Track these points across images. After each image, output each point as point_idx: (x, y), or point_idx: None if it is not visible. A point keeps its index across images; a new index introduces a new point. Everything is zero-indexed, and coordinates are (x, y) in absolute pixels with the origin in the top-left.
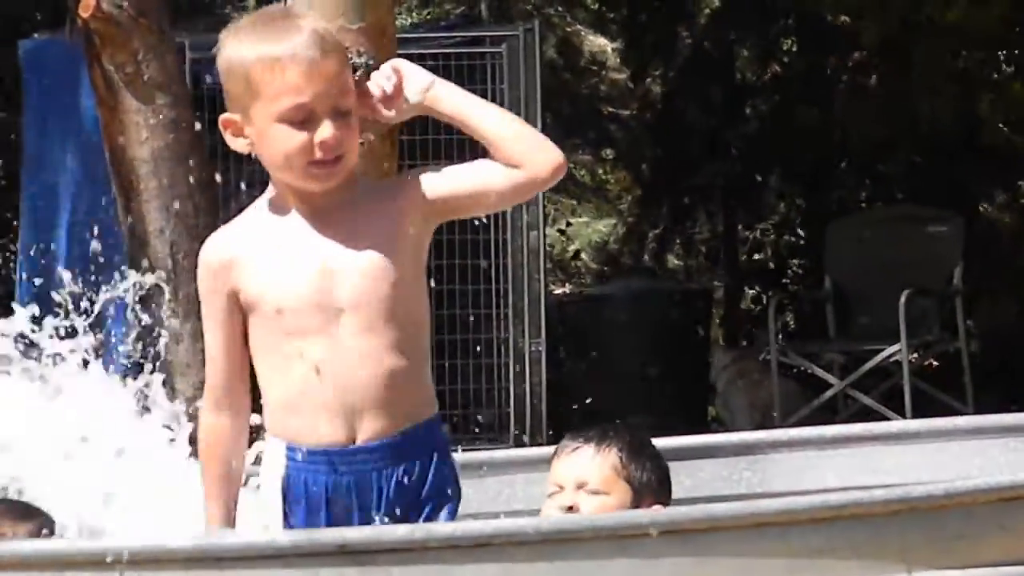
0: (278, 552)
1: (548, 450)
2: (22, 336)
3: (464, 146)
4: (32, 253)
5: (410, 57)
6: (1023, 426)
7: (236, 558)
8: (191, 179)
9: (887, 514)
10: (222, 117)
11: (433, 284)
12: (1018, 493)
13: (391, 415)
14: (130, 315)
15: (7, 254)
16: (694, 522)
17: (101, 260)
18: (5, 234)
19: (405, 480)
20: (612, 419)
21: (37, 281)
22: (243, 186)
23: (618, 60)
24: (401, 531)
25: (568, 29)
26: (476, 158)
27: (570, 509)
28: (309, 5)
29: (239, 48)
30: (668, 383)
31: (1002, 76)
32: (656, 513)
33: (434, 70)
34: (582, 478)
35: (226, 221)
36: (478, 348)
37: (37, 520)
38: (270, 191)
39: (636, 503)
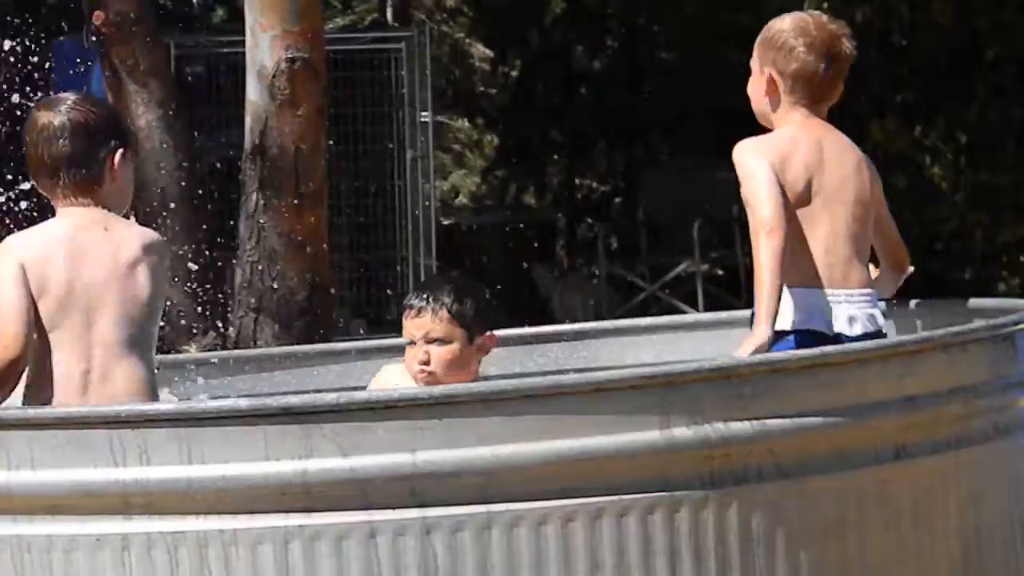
0: (240, 413)
1: None
2: None
3: (366, 118)
4: None
5: (334, 51)
6: None
7: (212, 417)
8: (175, 142)
9: (657, 385)
10: None
11: (359, 219)
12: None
13: None
14: None
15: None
16: (546, 389)
17: None
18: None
19: None
20: None
21: None
22: (213, 146)
23: (487, 53)
24: (329, 397)
25: (456, 36)
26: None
27: (426, 358)
28: (259, 10)
29: None
30: (524, 289)
31: None
32: (519, 383)
33: (353, 60)
34: (429, 333)
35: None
36: (388, 264)
37: None
38: None
39: (471, 337)
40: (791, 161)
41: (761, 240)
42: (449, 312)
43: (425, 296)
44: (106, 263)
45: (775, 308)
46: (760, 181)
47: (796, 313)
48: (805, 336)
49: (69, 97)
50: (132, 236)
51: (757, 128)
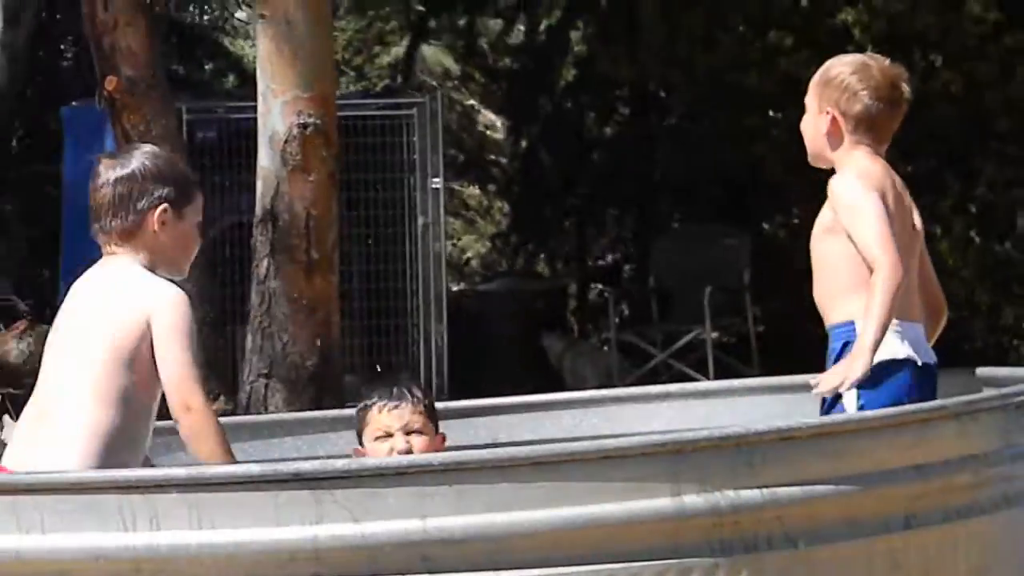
0: (251, 479)
1: (448, 405)
2: None
3: (378, 184)
4: (69, 274)
5: (345, 118)
6: (794, 385)
7: (220, 483)
8: None
9: (667, 453)
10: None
11: (370, 285)
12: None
13: None
14: None
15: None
16: (556, 456)
17: None
18: (49, 265)
19: None
20: (493, 385)
21: None
22: (225, 212)
23: (498, 122)
24: (340, 463)
25: (465, 103)
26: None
27: (408, 448)
28: (271, 76)
29: None
30: (535, 355)
31: (779, 130)
32: (529, 450)
33: (365, 126)
34: (408, 425)
35: (211, 238)
36: (399, 330)
37: None
38: None
39: (437, 431)
40: (889, 195)
41: (886, 275)
42: (424, 406)
43: (401, 390)
44: (93, 303)
45: (879, 341)
46: (873, 216)
47: (907, 345)
48: (915, 368)
49: (136, 147)
50: (136, 285)
51: (767, 194)
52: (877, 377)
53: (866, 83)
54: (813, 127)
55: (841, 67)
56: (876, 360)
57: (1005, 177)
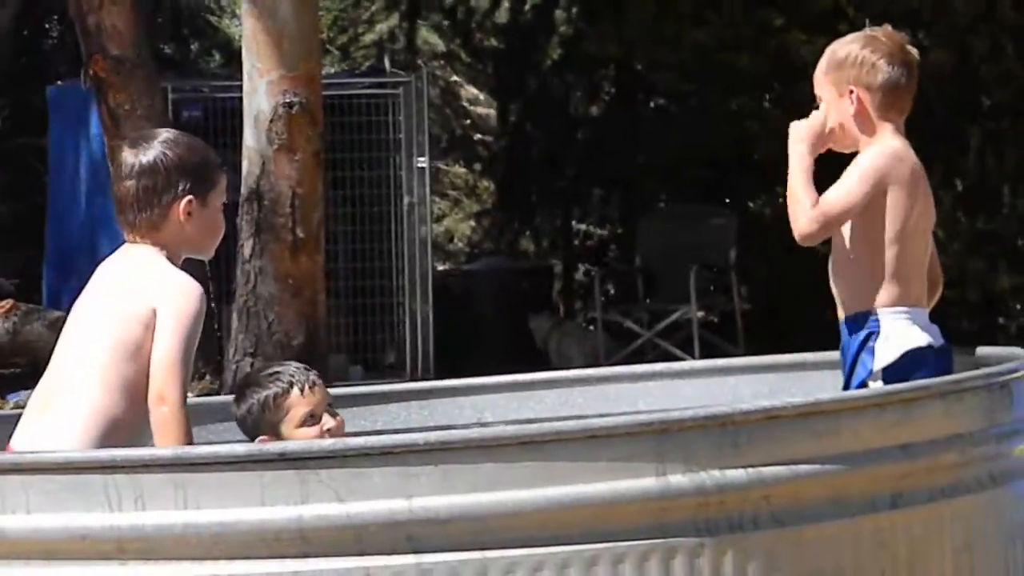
0: (236, 458)
1: (434, 384)
2: None
3: (363, 163)
4: (55, 253)
5: (331, 97)
6: (780, 364)
7: (206, 463)
8: None
9: (653, 432)
10: None
11: (356, 264)
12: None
13: None
14: None
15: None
16: (542, 435)
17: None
18: (35, 242)
19: None
20: (479, 364)
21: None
22: None
23: (481, 95)
24: (326, 443)
25: (450, 79)
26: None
27: (340, 424)
28: (257, 55)
29: None
30: (520, 335)
31: (766, 110)
32: (514, 429)
33: (351, 105)
34: (329, 401)
35: None
36: (385, 310)
37: None
38: None
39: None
40: (910, 179)
41: (800, 226)
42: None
43: (305, 371)
44: (106, 291)
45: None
46: (849, 191)
47: (922, 330)
48: (934, 351)
49: (156, 134)
50: (151, 275)
51: (750, 175)
52: (904, 368)
53: (880, 52)
54: (838, 113)
55: (849, 45)
56: (899, 351)
57: (994, 152)
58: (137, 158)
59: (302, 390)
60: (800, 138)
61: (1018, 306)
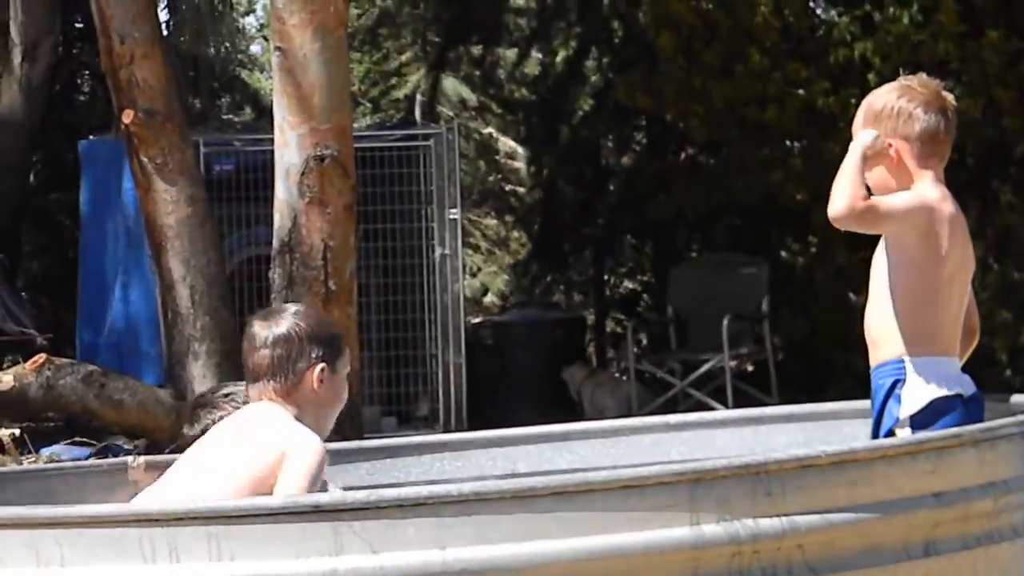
0: (270, 511)
1: (467, 436)
2: None
3: (395, 215)
4: (87, 307)
5: (362, 149)
6: (813, 414)
7: (240, 516)
8: (204, 240)
9: (686, 482)
10: None
11: (388, 316)
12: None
13: None
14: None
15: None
16: (575, 486)
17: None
18: (67, 297)
19: None
20: (512, 415)
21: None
22: (242, 244)
23: (519, 149)
24: (360, 495)
25: (483, 132)
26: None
27: None
28: (287, 108)
29: None
30: (554, 386)
31: (795, 159)
32: (548, 480)
33: (382, 157)
34: None
35: (229, 270)
36: (417, 361)
37: None
38: None
39: None
40: (948, 223)
41: (836, 210)
42: None
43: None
44: (234, 435)
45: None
46: (901, 201)
47: (951, 381)
48: (963, 401)
49: (284, 308)
50: (280, 426)
51: (784, 222)
52: (929, 417)
53: (916, 101)
54: (878, 167)
55: (885, 96)
56: (927, 399)
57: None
58: (270, 330)
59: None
60: (863, 143)
61: None
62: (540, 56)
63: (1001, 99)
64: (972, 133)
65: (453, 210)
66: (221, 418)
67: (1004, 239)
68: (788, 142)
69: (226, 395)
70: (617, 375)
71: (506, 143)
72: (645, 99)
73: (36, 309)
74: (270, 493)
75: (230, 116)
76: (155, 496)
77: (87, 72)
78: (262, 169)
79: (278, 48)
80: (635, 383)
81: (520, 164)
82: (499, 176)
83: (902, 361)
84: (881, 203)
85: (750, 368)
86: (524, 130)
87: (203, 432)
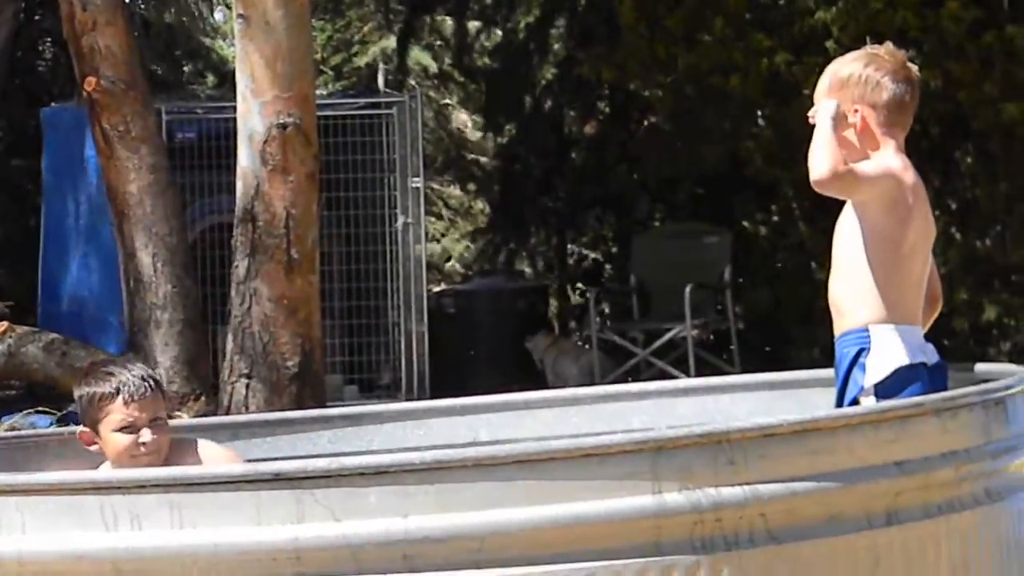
0: (232, 479)
1: (429, 404)
2: None
3: (358, 183)
4: (49, 275)
5: (324, 117)
6: (776, 382)
7: (201, 483)
8: (166, 208)
9: (648, 450)
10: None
11: (351, 284)
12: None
13: None
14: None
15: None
16: (537, 454)
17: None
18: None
19: None
20: (474, 384)
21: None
22: (205, 212)
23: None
24: (321, 463)
25: (443, 102)
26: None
27: (155, 441)
28: (250, 76)
29: None
30: (517, 355)
31: (760, 128)
32: (510, 448)
33: (344, 125)
34: (155, 416)
35: (191, 239)
36: (380, 330)
37: None
38: None
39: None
40: (912, 191)
41: (816, 176)
42: (162, 393)
43: (144, 380)
44: None
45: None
46: (872, 168)
47: (914, 349)
48: (927, 369)
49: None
50: None
51: (745, 192)
52: (894, 386)
53: (884, 70)
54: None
55: (851, 64)
56: (890, 368)
57: (985, 173)
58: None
59: (127, 400)
60: (828, 112)
61: (1011, 322)
62: (504, 25)
63: (957, 72)
64: (931, 105)
65: (416, 179)
66: (93, 395)
67: (965, 210)
68: (756, 112)
69: (107, 373)
70: (580, 344)
71: (462, 116)
72: (609, 73)
73: None
74: None
75: (192, 84)
76: None
77: (49, 39)
78: (224, 137)
79: (241, 15)
80: (598, 352)
81: (479, 133)
82: (462, 145)
83: (866, 330)
84: (858, 168)
85: (712, 337)
86: (486, 99)
87: (79, 399)
